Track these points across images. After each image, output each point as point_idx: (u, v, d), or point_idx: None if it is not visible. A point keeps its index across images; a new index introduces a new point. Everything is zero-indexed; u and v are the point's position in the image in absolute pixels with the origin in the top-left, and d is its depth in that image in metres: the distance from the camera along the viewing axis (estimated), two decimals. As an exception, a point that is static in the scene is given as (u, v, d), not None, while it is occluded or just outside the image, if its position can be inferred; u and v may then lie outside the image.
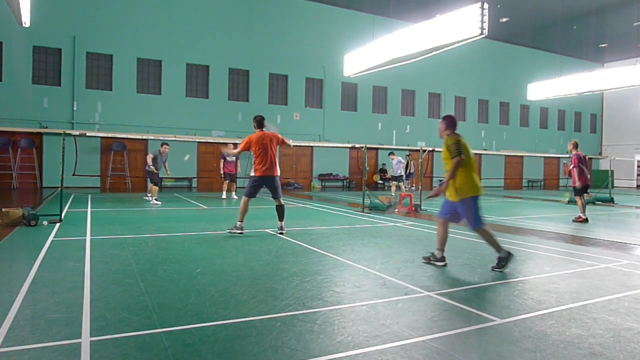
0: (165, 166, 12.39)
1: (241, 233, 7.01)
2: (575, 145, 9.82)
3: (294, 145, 7.60)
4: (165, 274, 4.53)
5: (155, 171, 12.08)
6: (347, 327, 3.12)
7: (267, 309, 3.48)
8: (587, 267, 5.20)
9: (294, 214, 10.50)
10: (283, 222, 7.39)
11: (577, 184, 9.73)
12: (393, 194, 16.22)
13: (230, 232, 7.03)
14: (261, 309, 3.47)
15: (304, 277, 4.47)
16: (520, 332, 3.11)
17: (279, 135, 7.35)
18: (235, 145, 12.00)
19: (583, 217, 9.68)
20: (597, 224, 9.61)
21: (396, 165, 16.25)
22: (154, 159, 12.00)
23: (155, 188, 12.29)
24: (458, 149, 4.85)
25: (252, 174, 7.20)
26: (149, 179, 12.44)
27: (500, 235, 7.60)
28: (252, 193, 7.16)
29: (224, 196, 14.12)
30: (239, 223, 7.04)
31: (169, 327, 3.05)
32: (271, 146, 7.12)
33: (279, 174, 7.30)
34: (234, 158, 13.81)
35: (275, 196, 7.28)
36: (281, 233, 7.30)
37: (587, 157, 10.00)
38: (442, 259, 5.11)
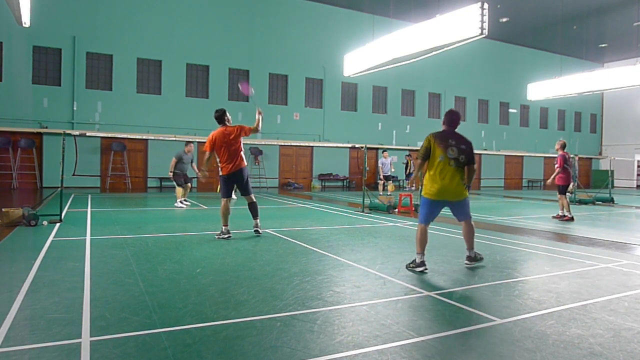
0: (192, 166, 11.66)
1: (229, 237, 6.65)
2: (563, 146, 10.15)
3: (259, 126, 6.87)
4: (165, 274, 4.53)
5: (180, 173, 11.38)
6: (347, 327, 3.12)
7: (267, 309, 3.47)
8: (587, 267, 5.20)
9: (294, 214, 10.51)
10: (258, 220, 6.97)
11: (553, 181, 10.20)
12: (382, 193, 16.42)
13: (217, 238, 6.64)
14: (261, 309, 3.47)
15: (304, 277, 4.47)
16: (520, 332, 3.11)
17: (243, 126, 6.83)
18: None
19: (569, 215, 9.96)
20: (597, 224, 9.61)
21: (389, 164, 16.58)
22: (178, 162, 11.30)
23: (180, 189, 11.54)
24: (422, 154, 4.94)
25: (220, 173, 6.84)
26: (175, 182, 11.61)
27: (501, 235, 7.60)
28: (227, 193, 6.81)
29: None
30: (223, 228, 6.67)
31: (169, 327, 3.05)
32: (234, 142, 6.70)
33: (245, 165, 6.88)
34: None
35: (244, 193, 6.92)
36: (257, 233, 6.92)
37: (572, 157, 10.41)
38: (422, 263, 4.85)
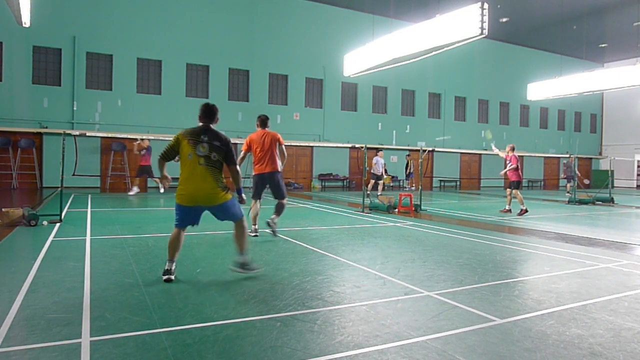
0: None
1: (256, 235, 6.78)
2: (513, 149, 11.42)
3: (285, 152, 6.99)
4: (165, 274, 4.52)
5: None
6: (347, 327, 3.12)
7: (267, 309, 3.47)
8: (587, 267, 5.20)
9: (294, 214, 10.50)
10: (277, 217, 6.93)
11: (505, 175, 11.58)
12: (369, 192, 16.36)
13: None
14: (261, 309, 3.47)
15: (304, 277, 4.47)
16: (520, 332, 3.11)
17: (280, 137, 6.89)
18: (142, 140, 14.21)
19: (523, 207, 10.85)
20: (597, 224, 9.61)
21: (382, 164, 16.70)
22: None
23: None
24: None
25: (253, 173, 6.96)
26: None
27: (501, 235, 7.60)
28: (256, 194, 6.89)
29: (134, 192, 14.94)
30: (252, 227, 6.74)
31: (169, 327, 3.05)
32: (272, 145, 6.77)
33: (279, 169, 6.84)
34: (144, 152, 14.93)
35: (277, 196, 6.92)
36: (270, 226, 6.84)
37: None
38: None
